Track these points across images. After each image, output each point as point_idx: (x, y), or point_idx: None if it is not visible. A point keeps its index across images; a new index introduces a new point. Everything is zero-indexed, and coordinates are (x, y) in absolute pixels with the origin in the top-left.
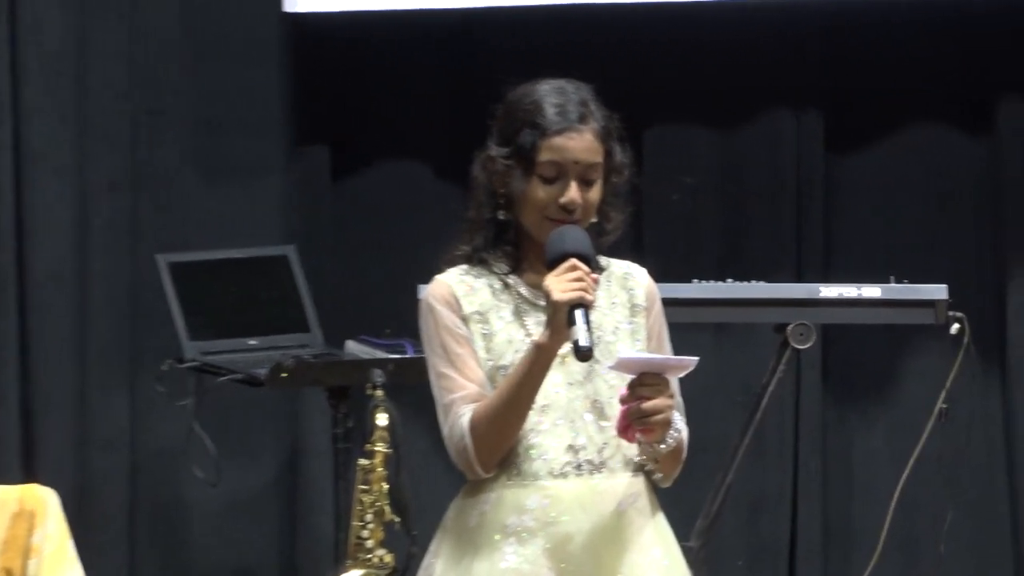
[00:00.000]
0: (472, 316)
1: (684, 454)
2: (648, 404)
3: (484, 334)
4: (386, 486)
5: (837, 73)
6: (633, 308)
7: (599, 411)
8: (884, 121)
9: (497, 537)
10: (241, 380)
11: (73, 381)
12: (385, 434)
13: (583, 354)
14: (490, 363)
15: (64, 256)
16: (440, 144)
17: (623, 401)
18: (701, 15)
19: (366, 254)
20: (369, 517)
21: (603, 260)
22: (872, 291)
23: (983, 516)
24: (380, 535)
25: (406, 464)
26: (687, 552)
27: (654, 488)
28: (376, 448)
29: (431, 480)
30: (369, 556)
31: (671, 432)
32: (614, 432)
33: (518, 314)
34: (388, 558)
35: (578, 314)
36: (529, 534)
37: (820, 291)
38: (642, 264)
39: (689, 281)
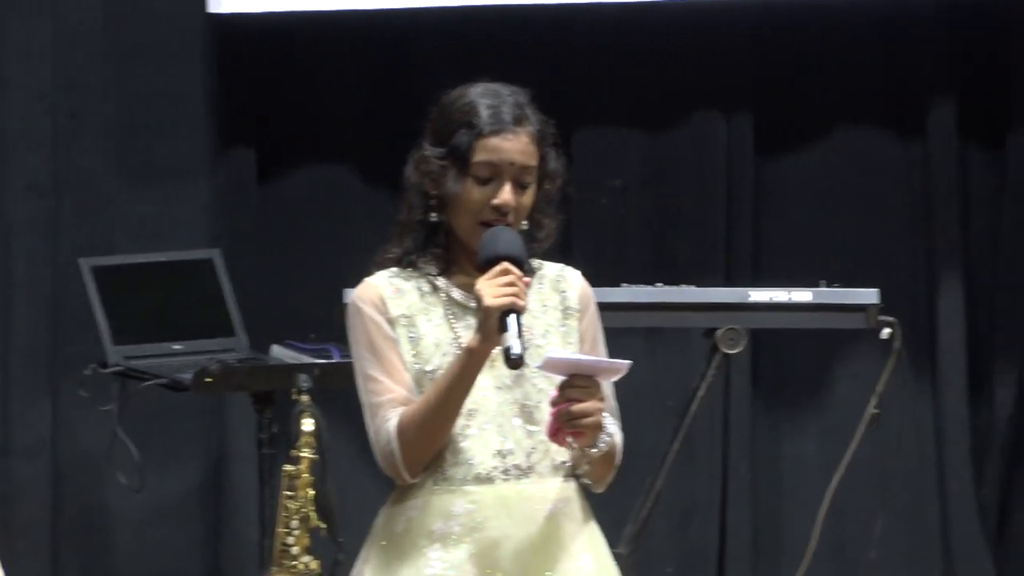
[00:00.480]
0: (399, 319)
1: (618, 459)
2: (578, 407)
3: (411, 337)
4: (312, 492)
5: (768, 76)
6: (566, 311)
7: (528, 415)
8: (815, 124)
9: (423, 543)
10: (165, 385)
11: None
12: (311, 439)
13: (514, 362)
14: (417, 367)
15: None
16: (367, 147)
17: (553, 403)
18: (630, 17)
19: (292, 258)
20: (295, 523)
21: (535, 262)
22: (803, 295)
23: (914, 522)
24: (306, 542)
25: (332, 470)
26: (617, 558)
27: (586, 494)
28: (302, 454)
29: (358, 486)
30: (295, 563)
31: (602, 436)
32: (543, 436)
33: (447, 317)
34: (314, 565)
35: (510, 320)
36: (455, 540)
37: (750, 295)
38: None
39: (618, 285)
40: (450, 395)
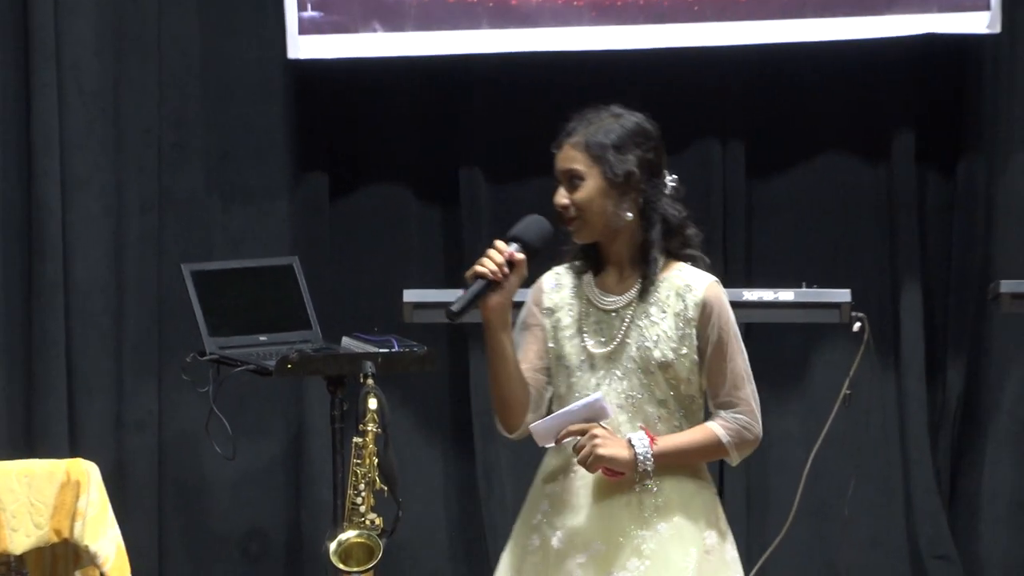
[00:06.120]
0: (548, 310)
1: (753, 444)
2: (578, 456)
3: (553, 326)
4: (376, 460)
5: (757, 109)
6: (686, 320)
7: (636, 408)
8: (797, 150)
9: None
10: (253, 370)
11: (110, 372)
12: (375, 416)
13: (448, 314)
14: (555, 351)
15: (102, 267)
16: (421, 171)
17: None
18: (642, 60)
19: (359, 263)
20: (362, 486)
21: (674, 269)
22: (787, 295)
23: (880, 484)
24: (371, 501)
25: (393, 441)
26: None
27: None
28: (367, 428)
29: (413, 455)
30: (362, 519)
31: (640, 461)
32: (640, 425)
33: (581, 311)
34: (378, 521)
35: (473, 286)
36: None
37: (743, 295)
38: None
39: None
40: (487, 356)
